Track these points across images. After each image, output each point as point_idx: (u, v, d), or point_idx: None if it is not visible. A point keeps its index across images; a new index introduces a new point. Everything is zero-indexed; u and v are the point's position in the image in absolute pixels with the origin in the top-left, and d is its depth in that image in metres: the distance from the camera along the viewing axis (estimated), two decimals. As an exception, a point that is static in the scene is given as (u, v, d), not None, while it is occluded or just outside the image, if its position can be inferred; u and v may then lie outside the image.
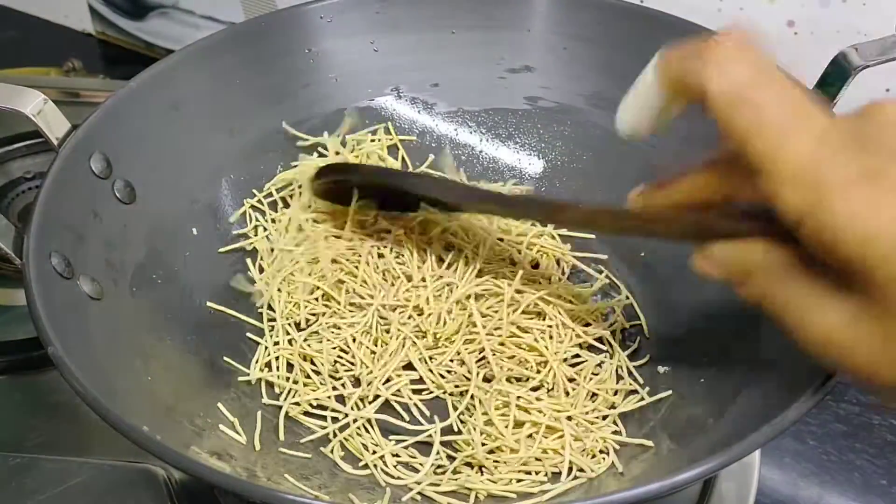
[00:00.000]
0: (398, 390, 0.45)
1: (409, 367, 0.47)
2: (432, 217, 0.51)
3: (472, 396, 0.44)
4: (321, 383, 0.45)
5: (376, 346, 0.47)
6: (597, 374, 0.46)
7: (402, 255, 0.50)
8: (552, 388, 0.45)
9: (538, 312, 0.48)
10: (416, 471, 0.41)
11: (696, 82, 0.32)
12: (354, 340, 0.47)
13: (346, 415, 0.44)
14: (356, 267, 0.49)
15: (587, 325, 0.48)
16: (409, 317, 0.48)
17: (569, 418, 0.43)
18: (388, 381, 0.46)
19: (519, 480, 0.41)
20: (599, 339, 0.48)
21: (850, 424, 0.52)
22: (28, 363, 0.51)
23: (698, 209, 0.36)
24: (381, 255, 0.50)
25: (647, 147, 0.53)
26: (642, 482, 0.32)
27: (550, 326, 0.47)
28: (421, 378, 0.46)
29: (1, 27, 0.89)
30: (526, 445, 0.42)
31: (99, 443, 0.47)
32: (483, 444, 0.42)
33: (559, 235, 0.53)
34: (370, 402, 0.45)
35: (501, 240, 0.51)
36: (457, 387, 0.45)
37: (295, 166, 0.54)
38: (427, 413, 0.45)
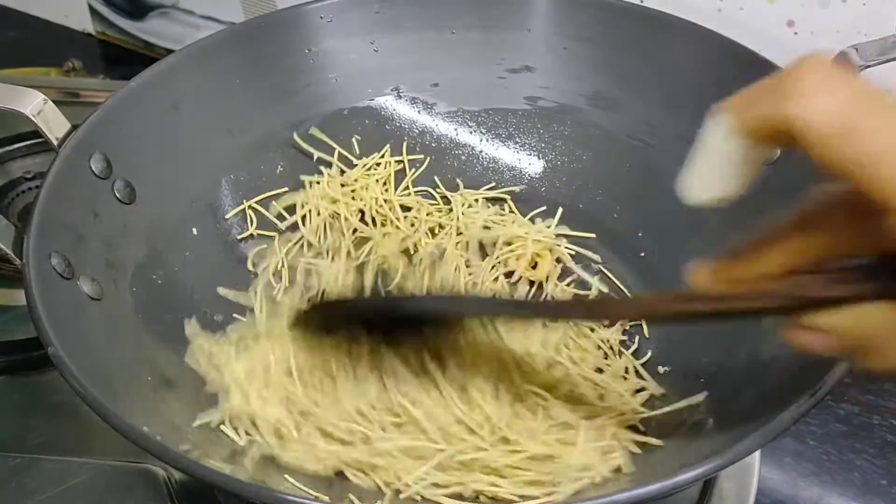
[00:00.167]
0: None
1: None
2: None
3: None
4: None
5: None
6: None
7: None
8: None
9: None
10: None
11: (784, 123, 0.27)
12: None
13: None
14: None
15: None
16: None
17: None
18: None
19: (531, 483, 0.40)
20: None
21: (850, 424, 0.51)
22: (28, 363, 0.51)
23: (785, 277, 0.31)
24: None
25: (648, 147, 0.53)
26: (642, 482, 0.32)
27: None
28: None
29: (1, 27, 0.89)
30: (543, 442, 0.41)
31: (99, 443, 0.46)
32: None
33: (556, 235, 0.53)
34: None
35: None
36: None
37: (300, 180, 0.54)
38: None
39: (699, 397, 0.43)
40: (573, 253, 0.53)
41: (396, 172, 0.56)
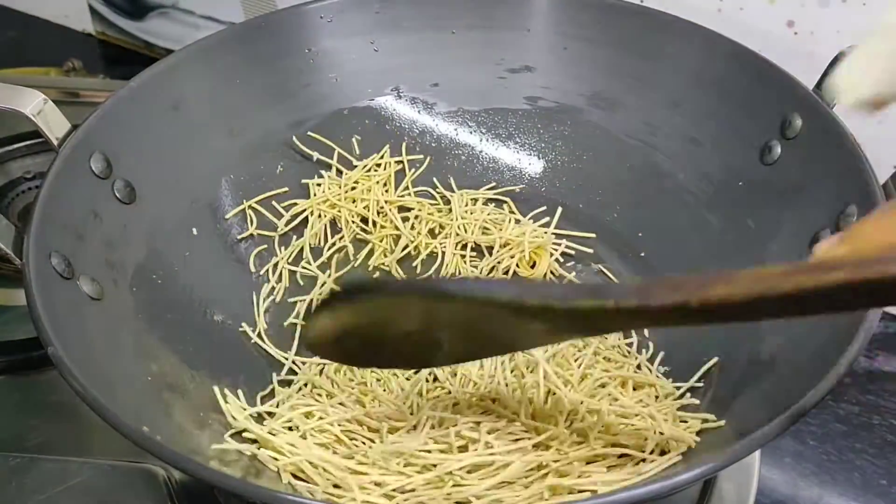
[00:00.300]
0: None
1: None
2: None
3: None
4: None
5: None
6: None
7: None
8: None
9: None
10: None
11: None
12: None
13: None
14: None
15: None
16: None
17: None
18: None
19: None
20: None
21: (850, 424, 0.52)
22: (28, 363, 0.51)
23: None
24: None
25: (648, 147, 0.53)
26: (642, 482, 0.32)
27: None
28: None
29: (1, 27, 0.89)
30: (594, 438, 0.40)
31: (99, 443, 0.46)
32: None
33: (556, 235, 0.53)
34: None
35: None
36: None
37: (305, 186, 0.54)
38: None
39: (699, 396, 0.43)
40: (573, 252, 0.53)
41: (396, 172, 0.56)
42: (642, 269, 0.52)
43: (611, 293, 0.30)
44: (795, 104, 0.46)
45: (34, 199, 0.41)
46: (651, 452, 0.40)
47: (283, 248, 0.53)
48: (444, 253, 0.53)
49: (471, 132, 0.57)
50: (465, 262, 0.53)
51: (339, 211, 0.54)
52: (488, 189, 0.56)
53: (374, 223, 0.54)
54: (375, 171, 0.56)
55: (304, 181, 0.55)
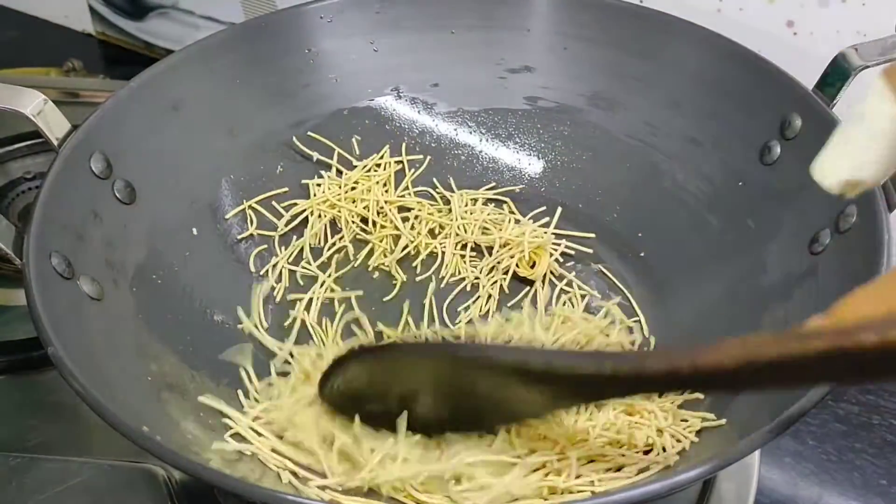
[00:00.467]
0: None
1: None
2: None
3: None
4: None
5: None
6: None
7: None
8: None
9: None
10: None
11: None
12: None
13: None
14: None
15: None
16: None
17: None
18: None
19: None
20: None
21: (849, 424, 0.52)
22: (28, 363, 0.51)
23: None
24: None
25: (648, 147, 0.53)
26: (642, 482, 0.32)
27: None
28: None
29: (1, 27, 0.89)
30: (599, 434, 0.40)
31: (99, 443, 0.46)
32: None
33: (556, 234, 0.53)
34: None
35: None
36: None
37: (305, 186, 0.54)
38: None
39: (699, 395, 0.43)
40: (573, 252, 0.53)
41: (396, 172, 0.56)
42: (642, 269, 0.52)
43: (609, 359, 0.33)
44: (795, 104, 0.46)
45: (34, 199, 0.41)
46: (649, 451, 0.40)
47: (283, 248, 0.53)
48: (443, 253, 0.53)
49: (471, 132, 0.57)
50: (464, 262, 0.53)
51: (339, 211, 0.54)
52: (488, 189, 0.56)
53: (374, 223, 0.54)
54: (375, 171, 0.56)
55: (304, 181, 0.55)
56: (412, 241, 0.53)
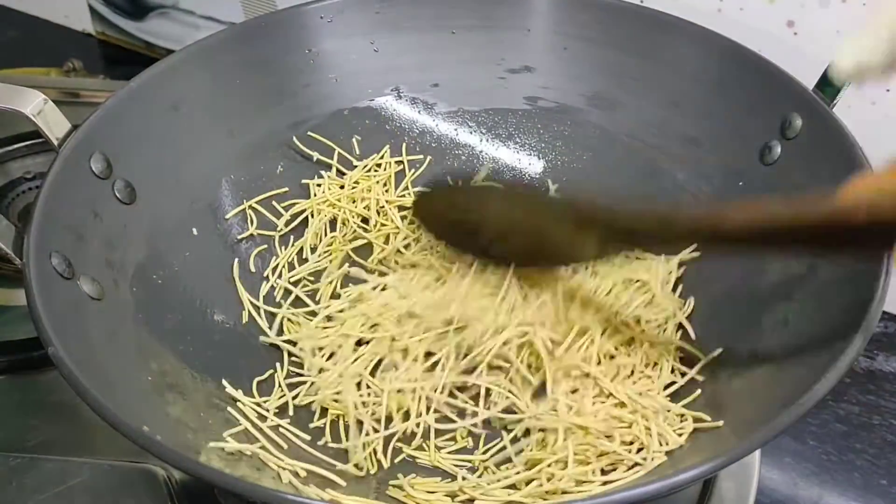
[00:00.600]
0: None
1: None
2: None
3: None
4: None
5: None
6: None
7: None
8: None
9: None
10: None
11: None
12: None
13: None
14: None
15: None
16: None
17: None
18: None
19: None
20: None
21: (850, 424, 0.52)
22: (28, 363, 0.51)
23: None
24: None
25: (648, 147, 0.53)
26: (642, 482, 0.32)
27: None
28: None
29: (1, 27, 0.89)
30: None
31: (99, 443, 0.46)
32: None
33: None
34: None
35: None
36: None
37: (305, 186, 0.54)
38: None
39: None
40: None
41: (396, 172, 0.56)
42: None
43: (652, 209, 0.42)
44: (795, 104, 0.46)
45: (34, 199, 0.41)
46: (640, 450, 0.40)
47: (283, 248, 0.53)
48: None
49: (471, 132, 0.57)
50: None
51: (340, 211, 0.54)
52: (488, 189, 0.56)
53: (375, 223, 0.54)
54: (375, 171, 0.56)
55: (304, 181, 0.55)
56: (411, 235, 0.53)
